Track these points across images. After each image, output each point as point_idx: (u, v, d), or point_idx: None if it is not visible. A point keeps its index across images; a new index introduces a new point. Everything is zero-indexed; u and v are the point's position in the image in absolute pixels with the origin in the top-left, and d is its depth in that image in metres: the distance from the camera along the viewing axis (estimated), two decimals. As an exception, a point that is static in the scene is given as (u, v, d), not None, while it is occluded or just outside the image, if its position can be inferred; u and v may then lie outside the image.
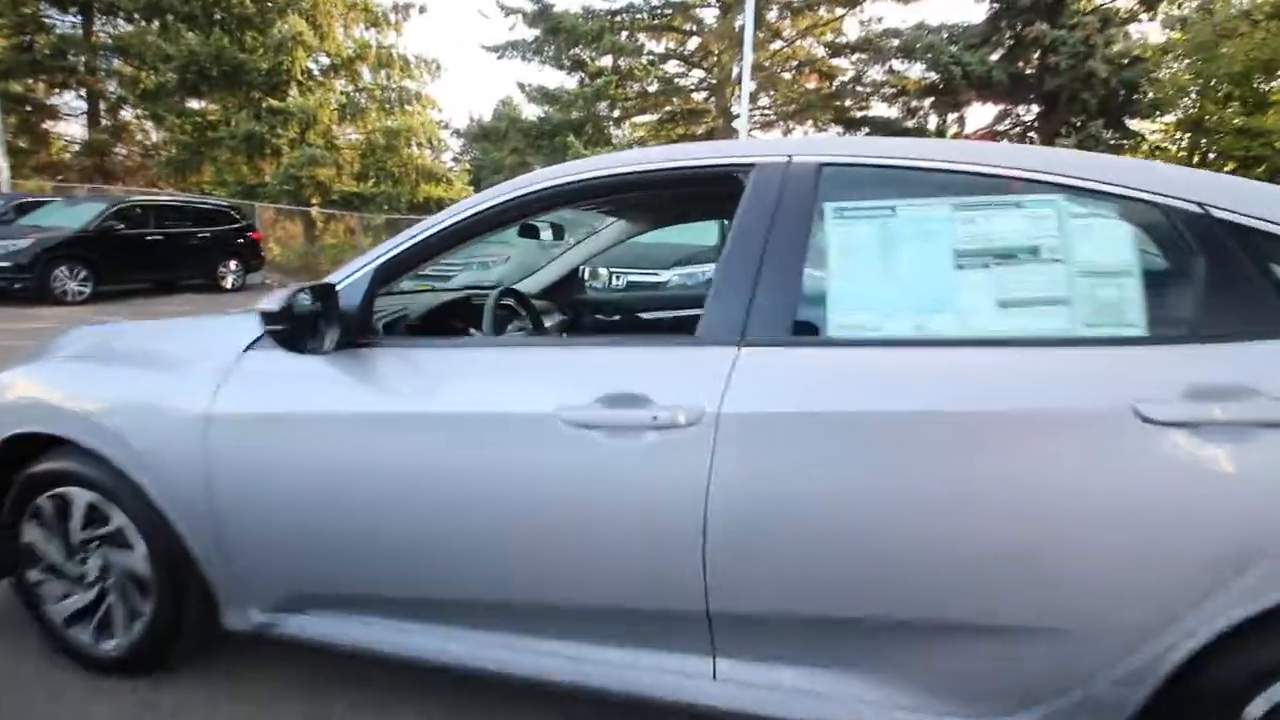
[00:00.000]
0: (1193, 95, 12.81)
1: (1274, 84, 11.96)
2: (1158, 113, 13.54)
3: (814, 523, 1.19)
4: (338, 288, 1.46)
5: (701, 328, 1.31)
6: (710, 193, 1.62)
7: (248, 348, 1.52)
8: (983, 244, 1.25)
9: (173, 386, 1.54)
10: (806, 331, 1.27)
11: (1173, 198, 1.20)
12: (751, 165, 1.38)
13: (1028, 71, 13.90)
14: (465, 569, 1.39)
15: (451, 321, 2.13)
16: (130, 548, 1.61)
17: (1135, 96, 13.41)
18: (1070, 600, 1.12)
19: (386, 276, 1.52)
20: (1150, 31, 14.25)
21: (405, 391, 1.42)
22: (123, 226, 9.61)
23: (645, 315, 2.99)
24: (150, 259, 9.98)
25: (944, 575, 1.16)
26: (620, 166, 1.48)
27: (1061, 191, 1.24)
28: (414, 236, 1.52)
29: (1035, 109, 14.45)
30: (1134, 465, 1.08)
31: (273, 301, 1.38)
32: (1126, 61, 13.19)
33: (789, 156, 1.36)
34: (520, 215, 1.57)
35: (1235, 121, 11.92)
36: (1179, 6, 13.63)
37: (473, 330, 2.14)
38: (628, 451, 1.26)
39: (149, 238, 9.97)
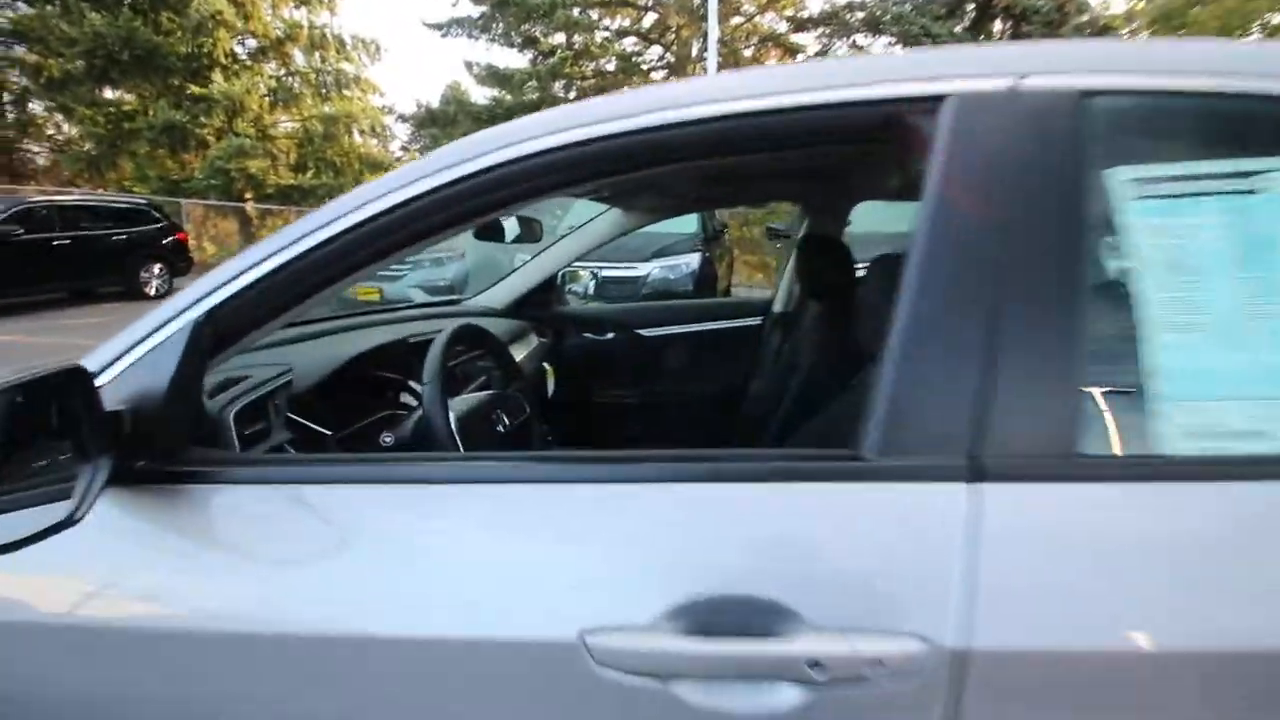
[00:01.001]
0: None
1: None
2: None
3: None
4: (100, 379, 0.71)
5: (876, 437, 0.62)
6: (828, 164, 0.91)
7: None
8: None
9: None
10: (1121, 445, 0.61)
11: None
12: (939, 98, 0.69)
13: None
14: None
15: (380, 374, 1.39)
16: None
17: (1103, 66, 13.21)
18: None
19: (226, 334, 0.78)
20: (1112, 2, 14.13)
21: (265, 584, 0.69)
22: (22, 231, 8.59)
23: (646, 333, 2.30)
24: (59, 266, 8.99)
25: None
26: (679, 108, 0.74)
27: None
28: (278, 251, 0.77)
29: (1004, 81, 14.18)
30: None
31: None
32: (1090, 33, 12.99)
33: (1016, 78, 0.68)
34: (486, 206, 0.84)
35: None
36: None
37: (413, 383, 1.42)
38: None
39: (56, 242, 9.00)
